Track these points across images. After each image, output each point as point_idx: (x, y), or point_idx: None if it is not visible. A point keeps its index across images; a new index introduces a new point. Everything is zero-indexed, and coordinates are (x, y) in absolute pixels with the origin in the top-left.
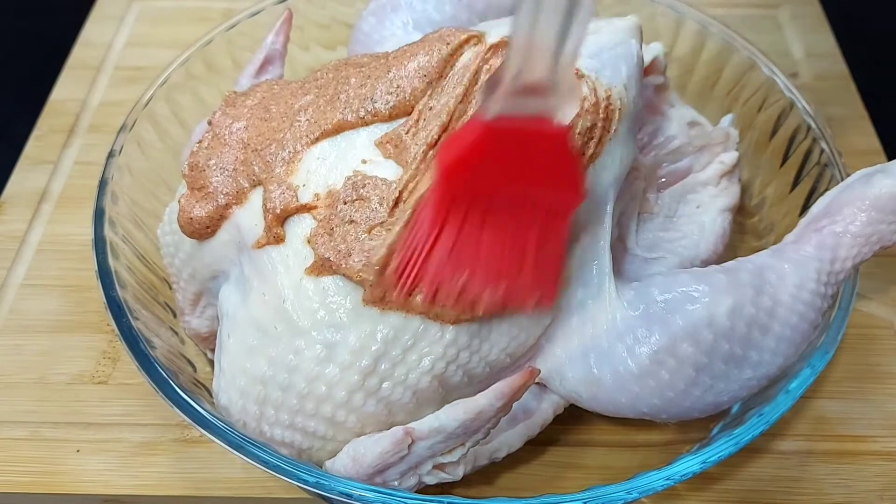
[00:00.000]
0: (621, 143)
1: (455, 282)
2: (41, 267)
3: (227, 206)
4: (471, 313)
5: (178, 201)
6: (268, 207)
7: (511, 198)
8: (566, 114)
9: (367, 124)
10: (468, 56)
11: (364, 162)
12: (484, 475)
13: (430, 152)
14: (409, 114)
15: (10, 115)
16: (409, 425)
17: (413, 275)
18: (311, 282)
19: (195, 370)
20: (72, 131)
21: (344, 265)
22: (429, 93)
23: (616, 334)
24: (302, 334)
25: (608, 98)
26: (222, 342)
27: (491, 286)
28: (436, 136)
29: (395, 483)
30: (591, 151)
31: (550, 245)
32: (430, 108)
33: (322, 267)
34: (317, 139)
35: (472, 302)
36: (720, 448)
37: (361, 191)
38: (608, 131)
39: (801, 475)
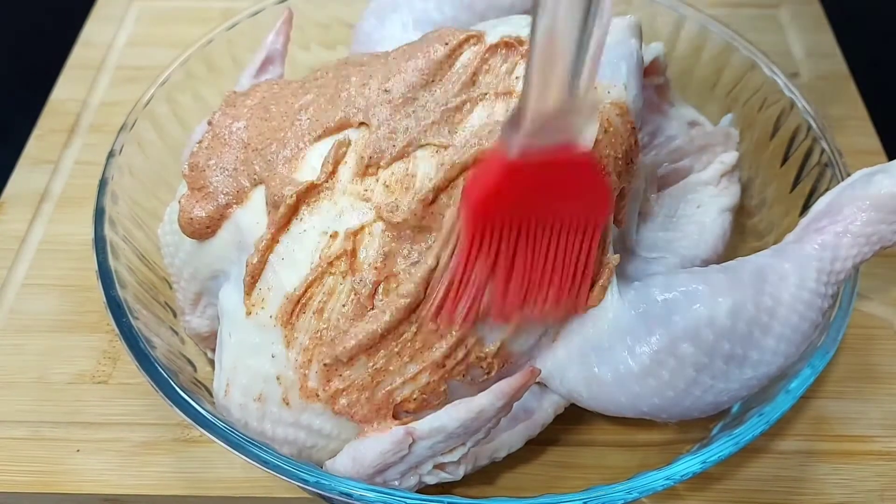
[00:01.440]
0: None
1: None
2: (41, 267)
3: (228, 205)
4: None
5: (179, 201)
6: (272, 201)
7: (541, 223)
8: (589, 134)
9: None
10: (467, 56)
11: None
12: (484, 475)
13: (417, 150)
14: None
15: (10, 115)
16: (409, 425)
17: (456, 303)
18: None
19: (195, 370)
20: (72, 131)
21: None
22: (427, 91)
23: (617, 334)
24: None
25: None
26: (223, 341)
27: (528, 302)
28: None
29: (396, 483)
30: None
31: (582, 258)
32: (425, 107)
33: None
34: (319, 137)
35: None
36: (720, 448)
37: None
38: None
39: (801, 475)
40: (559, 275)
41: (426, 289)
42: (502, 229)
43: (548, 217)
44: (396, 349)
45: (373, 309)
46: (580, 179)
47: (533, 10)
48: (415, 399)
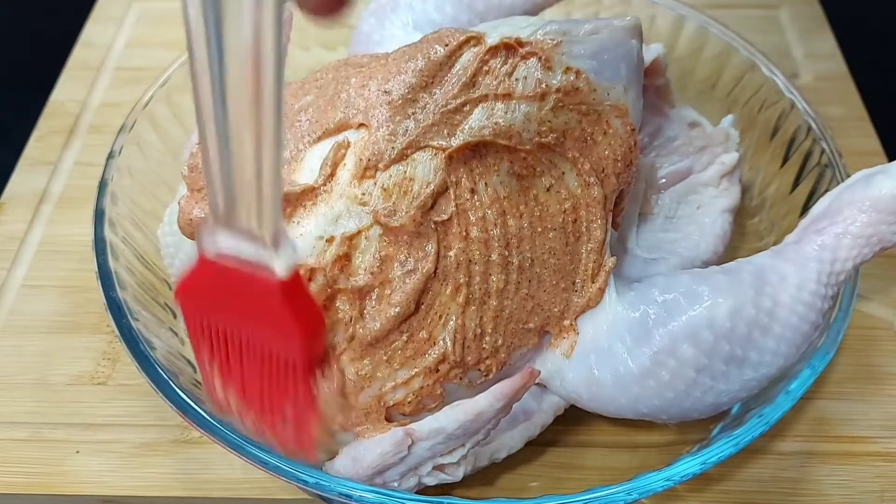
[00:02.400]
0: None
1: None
2: (41, 268)
3: None
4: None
5: (178, 202)
6: None
7: (239, 337)
8: (281, 267)
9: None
10: (467, 57)
11: None
12: (484, 476)
13: (416, 153)
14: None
15: (10, 116)
16: (409, 426)
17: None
18: None
19: (195, 371)
20: (72, 132)
21: None
22: (426, 92)
23: (616, 335)
24: None
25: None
26: None
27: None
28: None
29: (395, 484)
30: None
31: (293, 394)
32: (425, 108)
33: None
34: (319, 139)
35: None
36: (720, 449)
37: None
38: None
39: (801, 476)
40: (275, 400)
41: (419, 299)
42: (209, 325)
43: (244, 334)
44: (385, 357)
45: (365, 316)
46: (270, 308)
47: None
48: (409, 402)
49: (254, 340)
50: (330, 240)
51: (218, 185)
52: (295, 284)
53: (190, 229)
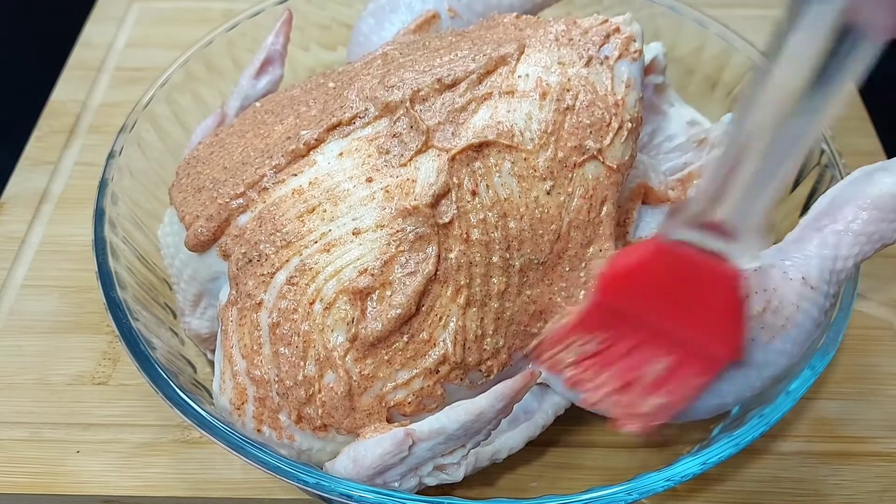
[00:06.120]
0: (622, 143)
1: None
2: (41, 267)
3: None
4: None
5: (182, 220)
6: None
7: (662, 326)
8: (743, 261)
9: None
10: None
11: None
12: (485, 476)
13: (418, 155)
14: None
15: (10, 116)
16: (409, 426)
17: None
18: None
19: (195, 371)
20: (72, 132)
21: None
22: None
23: None
24: (302, 336)
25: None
26: (222, 342)
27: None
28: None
29: (396, 484)
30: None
31: (689, 384)
32: (432, 107)
33: None
34: (324, 134)
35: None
36: (720, 449)
37: None
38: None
39: (801, 476)
40: (656, 386)
41: (420, 300)
42: (627, 313)
43: (667, 323)
44: (386, 357)
45: (367, 316)
46: (716, 298)
47: (740, 111)
48: (409, 403)
49: (671, 325)
50: None
51: (712, 185)
52: (742, 281)
53: (196, 241)
